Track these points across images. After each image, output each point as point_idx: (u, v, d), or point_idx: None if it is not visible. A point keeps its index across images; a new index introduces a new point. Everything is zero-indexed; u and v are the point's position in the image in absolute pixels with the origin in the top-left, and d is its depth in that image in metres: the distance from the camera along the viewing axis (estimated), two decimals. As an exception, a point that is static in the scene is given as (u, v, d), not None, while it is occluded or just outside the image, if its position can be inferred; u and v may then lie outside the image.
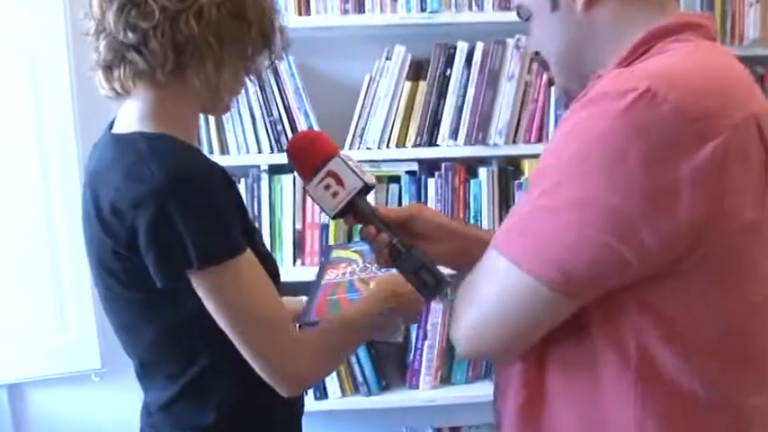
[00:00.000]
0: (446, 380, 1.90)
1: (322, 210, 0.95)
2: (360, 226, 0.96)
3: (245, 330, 0.91)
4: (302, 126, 1.79)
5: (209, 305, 0.89)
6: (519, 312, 0.76)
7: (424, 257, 0.91)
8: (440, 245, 0.98)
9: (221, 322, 0.90)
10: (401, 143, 1.81)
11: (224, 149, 1.80)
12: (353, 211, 0.94)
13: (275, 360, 0.93)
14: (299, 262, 1.83)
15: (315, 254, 1.82)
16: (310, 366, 0.98)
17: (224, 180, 0.93)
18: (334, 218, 0.95)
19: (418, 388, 1.88)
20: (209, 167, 0.92)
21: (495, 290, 0.77)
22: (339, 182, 0.92)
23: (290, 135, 1.79)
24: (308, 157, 0.95)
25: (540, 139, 1.85)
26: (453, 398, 1.85)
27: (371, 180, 0.96)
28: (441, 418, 2.04)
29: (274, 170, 1.82)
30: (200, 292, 0.89)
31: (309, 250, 1.82)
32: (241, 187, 1.81)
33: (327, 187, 0.93)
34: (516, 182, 1.86)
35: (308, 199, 1.80)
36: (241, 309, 0.90)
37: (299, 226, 1.82)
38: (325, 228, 1.81)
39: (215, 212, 0.88)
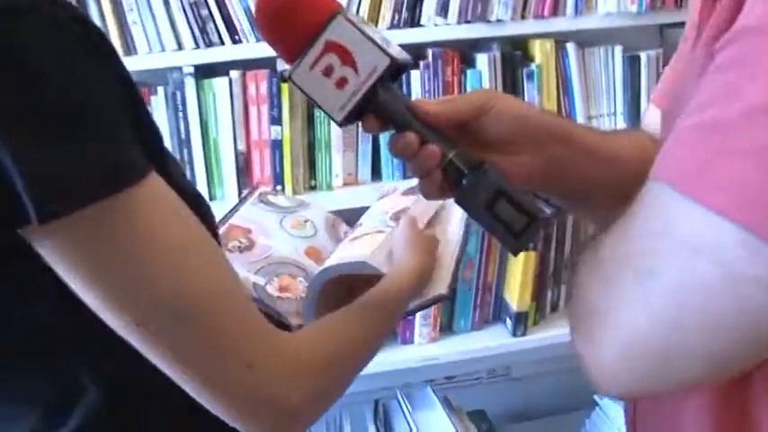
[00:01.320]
0: (447, 328, 1.52)
1: (322, 111, 0.58)
2: (389, 133, 0.59)
3: (171, 329, 0.49)
4: (236, 10, 1.32)
5: (84, 287, 0.47)
6: (739, 312, 0.37)
7: (503, 180, 0.56)
8: (532, 158, 0.58)
9: (116, 317, 0.48)
10: (373, 22, 1.33)
11: (129, 49, 1.31)
12: (375, 108, 0.57)
13: (239, 383, 0.52)
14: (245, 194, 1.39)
15: (267, 182, 1.37)
16: (305, 391, 0.55)
17: (89, 38, 0.47)
18: (342, 123, 0.58)
19: (413, 343, 1.49)
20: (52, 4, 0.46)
21: (687, 277, 0.39)
22: (348, 60, 0.56)
23: (220, 23, 1.32)
24: (291, 19, 0.56)
25: (555, 12, 1.40)
26: (457, 353, 1.47)
27: (403, 55, 0.58)
28: (441, 373, 1.68)
29: (203, 72, 1.34)
30: (62, 266, 0.46)
31: (259, 178, 1.38)
32: (158, 100, 1.35)
33: (328, 71, 0.56)
34: (525, 70, 1.42)
35: (253, 108, 1.35)
36: (154, 286, 0.48)
37: (241, 146, 1.36)
38: (278, 146, 1.36)
39: (69, 97, 0.45)
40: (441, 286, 0.79)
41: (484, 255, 1.45)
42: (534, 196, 0.61)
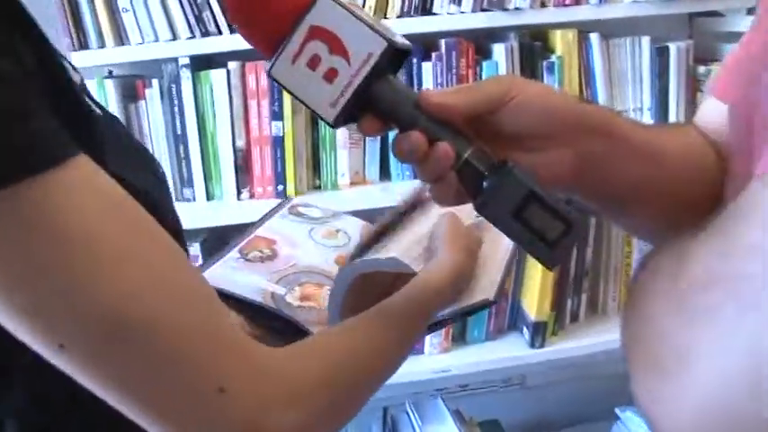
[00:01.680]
0: (460, 338, 1.42)
1: (311, 111, 0.49)
2: (394, 133, 0.49)
3: (107, 352, 0.39)
4: (235, -3, 1.23)
5: None
6: None
7: (532, 180, 0.47)
8: (562, 155, 0.49)
9: (31, 337, 0.38)
10: (381, 11, 1.24)
11: (121, 39, 1.21)
12: (374, 104, 0.48)
13: (208, 412, 0.42)
14: (244, 194, 1.30)
15: (268, 181, 1.29)
16: (299, 414, 0.46)
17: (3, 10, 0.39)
18: (336, 124, 0.48)
19: (423, 353, 1.40)
20: None
21: None
22: (337, 47, 0.47)
23: (217, 10, 1.23)
24: (267, 4, 0.47)
25: (578, 0, 1.30)
26: (470, 364, 1.37)
27: (402, 40, 0.48)
28: (453, 383, 1.59)
29: (199, 64, 1.25)
30: None
31: (259, 176, 1.29)
32: (153, 93, 1.26)
33: (314, 62, 0.46)
34: (545, 62, 1.32)
35: (253, 102, 1.26)
36: (78, 297, 0.38)
37: (241, 143, 1.28)
38: (279, 143, 1.27)
39: None
40: (488, 291, 0.69)
41: (499, 259, 1.36)
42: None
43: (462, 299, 0.71)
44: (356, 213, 1.25)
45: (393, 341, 0.56)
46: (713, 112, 0.59)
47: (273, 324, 0.76)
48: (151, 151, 1.27)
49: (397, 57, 0.48)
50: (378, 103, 0.48)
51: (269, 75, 0.48)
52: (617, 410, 1.56)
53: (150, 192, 0.49)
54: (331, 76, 0.47)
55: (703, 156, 0.59)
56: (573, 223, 0.47)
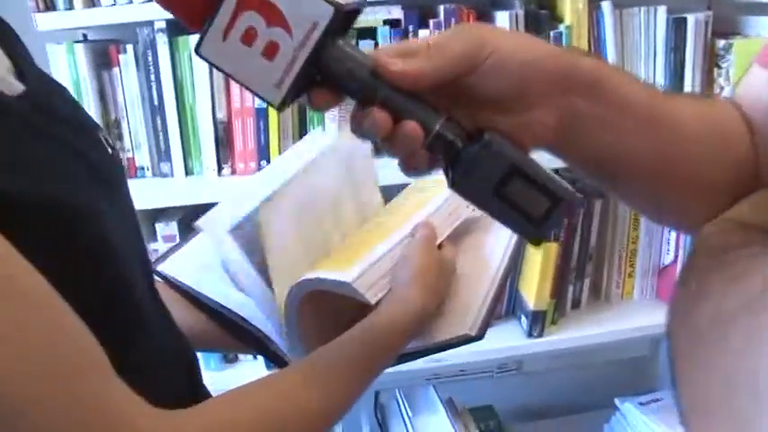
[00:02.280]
0: (453, 325, 1.34)
1: (254, 94, 0.43)
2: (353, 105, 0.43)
3: None
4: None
5: None
6: None
7: (513, 151, 0.43)
8: (542, 115, 0.43)
9: None
10: (373, -28, 1.14)
11: (92, 0, 1.13)
12: (324, 76, 0.42)
13: None
14: (226, 170, 1.21)
15: (250, 156, 1.20)
16: None
17: None
18: (282, 106, 0.42)
19: (414, 340, 1.32)
20: None
21: None
22: (274, 18, 0.39)
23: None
24: None
25: (589, -37, 1.19)
26: (464, 353, 1.29)
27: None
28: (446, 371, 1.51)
29: (177, 29, 1.16)
30: None
31: (241, 150, 1.20)
32: (127, 59, 1.16)
33: (250, 37, 0.39)
34: (552, 32, 1.22)
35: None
36: None
37: (221, 114, 1.18)
38: (262, 115, 1.18)
39: None
40: (467, 325, 0.62)
41: (497, 242, 1.27)
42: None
43: (434, 329, 0.62)
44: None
45: (334, 394, 0.49)
46: (757, 85, 0.52)
47: (233, 327, 0.68)
48: (126, 123, 1.19)
49: (347, 17, 0.41)
50: (328, 73, 0.41)
51: (197, 53, 0.39)
52: (617, 401, 1.48)
53: (74, 202, 0.42)
54: (271, 52, 0.40)
55: (730, 133, 0.53)
56: (560, 198, 0.43)
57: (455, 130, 0.43)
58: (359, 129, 0.42)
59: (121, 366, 0.39)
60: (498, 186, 0.42)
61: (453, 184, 0.44)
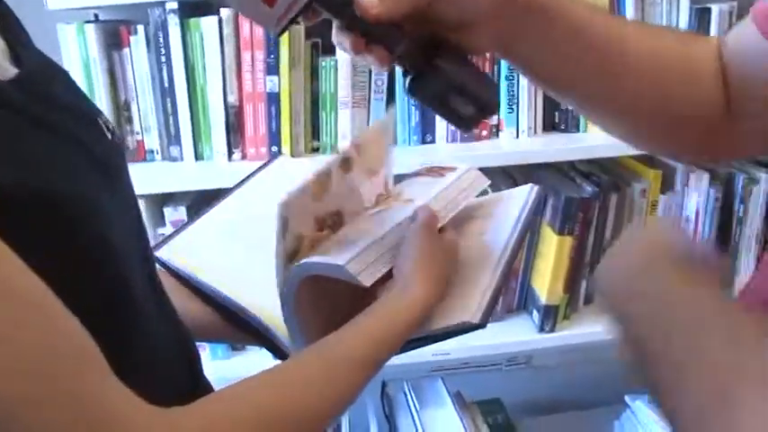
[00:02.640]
0: (463, 317, 1.31)
1: (253, 20, 0.54)
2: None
3: None
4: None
5: None
6: None
7: (457, 74, 0.55)
8: (488, 28, 0.53)
9: None
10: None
11: (104, -24, 1.10)
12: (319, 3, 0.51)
13: None
14: (236, 155, 1.19)
15: (261, 141, 1.17)
16: None
17: None
18: (281, 33, 0.52)
19: (423, 332, 1.29)
20: None
21: None
22: None
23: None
24: None
25: (612, -50, 1.16)
26: (473, 347, 1.27)
27: None
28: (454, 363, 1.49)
29: (189, 9, 1.13)
30: None
31: (252, 135, 1.17)
32: (138, 40, 1.14)
33: None
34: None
35: (246, 54, 1.13)
36: None
37: (232, 98, 1.16)
38: (274, 99, 1.15)
39: None
40: (469, 311, 0.58)
41: (510, 234, 1.24)
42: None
43: (434, 316, 0.59)
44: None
45: (337, 389, 0.48)
46: (744, 39, 0.56)
47: (232, 316, 0.66)
48: (136, 105, 1.17)
49: None
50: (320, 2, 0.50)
51: None
52: (627, 398, 1.46)
53: (72, 195, 0.40)
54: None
55: (699, 71, 0.57)
56: (487, 107, 0.56)
57: (413, 53, 0.53)
58: (339, 45, 0.52)
59: (120, 364, 0.37)
60: (441, 97, 0.55)
61: (409, 91, 0.56)
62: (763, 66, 0.54)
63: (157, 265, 0.62)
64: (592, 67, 0.55)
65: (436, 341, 0.60)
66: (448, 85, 0.54)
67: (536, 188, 0.74)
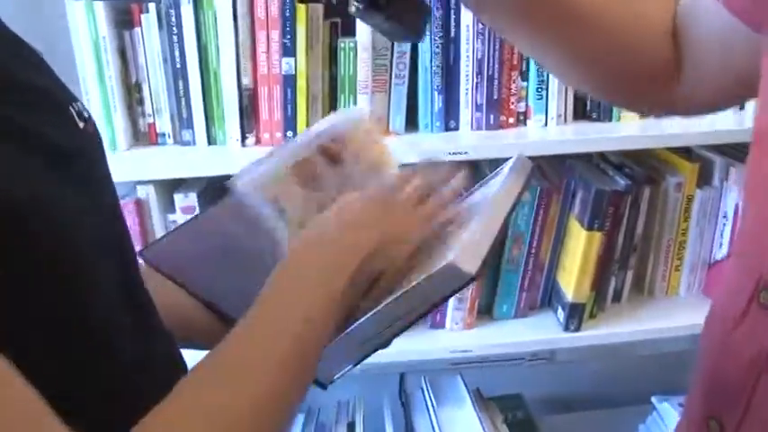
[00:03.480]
0: (486, 313, 1.25)
1: None
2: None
3: None
4: None
5: None
6: None
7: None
8: None
9: None
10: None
11: (114, -49, 1.04)
12: None
13: None
14: (250, 139, 1.13)
15: (276, 126, 1.11)
16: None
17: None
18: None
19: (444, 327, 1.23)
20: None
21: None
22: None
23: (224, -77, 1.03)
24: None
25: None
26: (494, 345, 1.21)
27: None
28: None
29: (203, -14, 1.07)
30: None
31: (266, 120, 1.11)
32: (150, 19, 1.08)
33: None
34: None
35: (261, 34, 1.07)
36: None
37: (247, 81, 1.10)
38: (290, 82, 1.09)
39: None
40: (450, 255, 0.50)
41: (537, 227, 1.17)
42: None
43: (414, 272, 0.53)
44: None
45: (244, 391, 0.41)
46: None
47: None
48: (147, 86, 1.11)
49: None
50: None
51: None
52: (654, 400, 1.39)
53: (22, 198, 0.34)
54: None
55: (645, 26, 0.60)
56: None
57: None
58: None
59: (81, 387, 0.32)
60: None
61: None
62: (714, 27, 0.56)
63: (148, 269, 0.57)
64: (546, 15, 0.57)
65: (430, 304, 0.52)
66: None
67: (522, 156, 0.75)
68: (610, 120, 1.17)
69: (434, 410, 1.24)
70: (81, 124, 0.42)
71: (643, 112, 1.10)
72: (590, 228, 1.11)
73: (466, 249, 0.52)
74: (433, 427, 1.20)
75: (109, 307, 0.41)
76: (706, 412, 0.56)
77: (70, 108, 0.42)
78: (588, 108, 1.18)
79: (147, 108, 1.12)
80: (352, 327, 0.55)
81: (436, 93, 1.12)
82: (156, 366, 0.46)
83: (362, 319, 0.54)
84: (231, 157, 1.09)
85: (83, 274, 0.37)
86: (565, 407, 1.62)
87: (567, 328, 1.18)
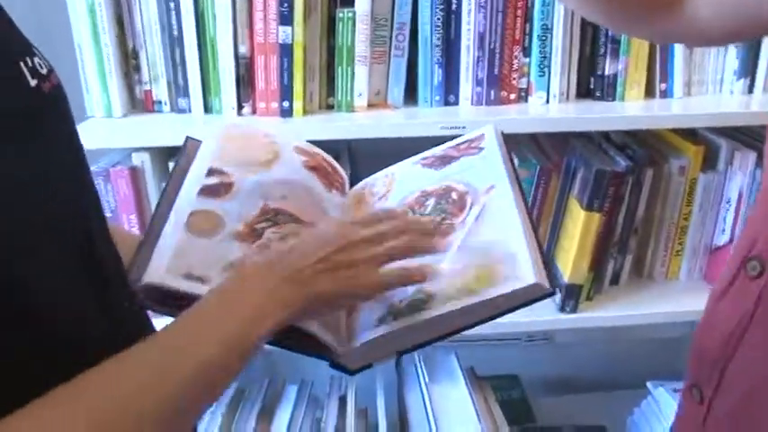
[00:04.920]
0: (480, 291, 1.21)
1: None
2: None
3: None
4: None
5: None
6: None
7: None
8: None
9: None
10: None
11: None
12: None
13: None
14: (246, 109, 1.10)
15: (272, 96, 1.07)
16: None
17: None
18: None
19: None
20: None
21: None
22: None
23: None
24: None
25: None
26: (487, 326, 1.17)
27: None
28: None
29: (200, -49, 1.03)
30: None
31: (263, 89, 1.08)
32: (146, -19, 1.05)
33: None
34: None
35: (258, 1, 1.03)
36: None
37: (244, 49, 1.06)
38: (287, 51, 1.05)
39: None
40: (529, 273, 0.58)
41: (536, 206, 1.13)
42: None
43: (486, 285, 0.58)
44: (371, 142, 1.04)
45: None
46: None
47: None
48: (144, 53, 1.08)
49: None
50: None
51: None
52: (649, 385, 1.35)
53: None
54: None
55: None
56: None
57: None
58: None
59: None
60: None
61: None
62: None
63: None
64: None
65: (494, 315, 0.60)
66: None
67: (494, 127, 0.78)
68: (614, 99, 1.13)
69: (427, 386, 1.21)
70: (33, 82, 0.38)
71: (652, 41, 1.06)
72: (589, 208, 1.07)
73: (540, 268, 0.59)
74: (424, 403, 1.18)
75: (59, 288, 0.37)
76: (690, 380, 0.59)
77: (20, 64, 0.38)
78: (592, 86, 1.14)
79: (144, 75, 1.09)
80: (396, 329, 0.59)
81: (436, 66, 1.08)
82: (122, 349, 0.42)
83: (410, 323, 0.58)
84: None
85: (21, 250, 0.34)
86: (561, 388, 1.59)
87: (562, 310, 1.14)
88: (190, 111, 1.09)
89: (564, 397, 1.54)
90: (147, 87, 1.09)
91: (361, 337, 0.60)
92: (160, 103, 1.10)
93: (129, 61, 1.08)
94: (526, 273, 0.58)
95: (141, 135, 1.05)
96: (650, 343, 1.52)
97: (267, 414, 1.19)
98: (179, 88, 1.08)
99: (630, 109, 1.10)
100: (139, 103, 1.11)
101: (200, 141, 0.77)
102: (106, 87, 1.06)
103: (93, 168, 1.08)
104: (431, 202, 0.70)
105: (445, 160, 0.76)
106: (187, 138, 0.78)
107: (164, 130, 1.05)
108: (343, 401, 1.22)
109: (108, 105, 1.07)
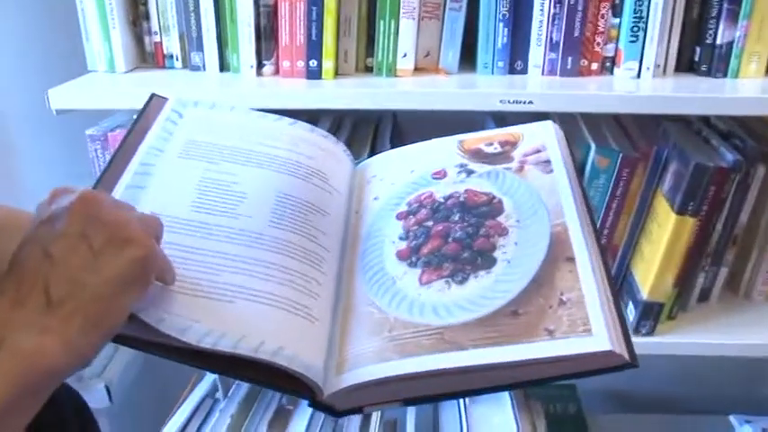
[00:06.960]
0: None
1: None
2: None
3: None
4: None
5: None
6: None
7: None
8: None
9: None
10: None
11: None
12: None
13: None
14: (267, 68, 0.90)
15: (298, 53, 0.87)
16: None
17: None
18: None
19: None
20: None
21: None
22: None
23: None
24: None
25: None
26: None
27: None
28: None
29: None
30: None
31: (287, 46, 0.87)
32: None
33: None
34: None
35: (288, -62, 0.82)
36: None
37: (265, -5, 0.86)
38: (317, 2, 0.84)
39: None
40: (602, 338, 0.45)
41: (614, 202, 0.89)
42: None
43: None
44: (416, 115, 0.83)
45: None
46: None
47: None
48: (154, 0, 0.90)
49: None
50: None
51: None
52: (733, 420, 1.11)
53: None
54: None
55: None
56: None
57: None
58: None
59: None
60: None
61: None
62: None
63: None
64: None
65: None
66: None
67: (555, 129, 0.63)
68: (725, 75, 0.87)
69: (465, 407, 1.01)
70: None
71: None
72: (682, 211, 0.83)
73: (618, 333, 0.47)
74: (460, 423, 0.98)
75: None
76: None
77: None
78: (698, 58, 0.88)
79: (154, 25, 0.90)
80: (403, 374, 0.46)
81: (501, 24, 0.85)
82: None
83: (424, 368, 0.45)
84: (245, 86, 0.86)
85: None
86: (624, 405, 1.36)
87: (636, 332, 0.91)
88: (204, 68, 0.90)
89: (626, 415, 1.32)
90: (158, 39, 0.91)
91: (355, 374, 0.47)
92: (172, 57, 0.91)
93: (138, 6, 0.90)
94: (599, 335, 0.45)
95: (146, 94, 0.86)
96: (738, 365, 1.27)
97: (281, 420, 1.02)
98: (192, 41, 0.89)
99: (744, 88, 0.84)
100: (150, 57, 0.93)
101: (165, 99, 0.64)
102: (108, 37, 0.88)
103: (89, 132, 0.91)
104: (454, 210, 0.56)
105: (497, 159, 0.60)
106: (152, 95, 0.64)
107: (174, 88, 0.86)
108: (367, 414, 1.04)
109: (111, 59, 0.89)
